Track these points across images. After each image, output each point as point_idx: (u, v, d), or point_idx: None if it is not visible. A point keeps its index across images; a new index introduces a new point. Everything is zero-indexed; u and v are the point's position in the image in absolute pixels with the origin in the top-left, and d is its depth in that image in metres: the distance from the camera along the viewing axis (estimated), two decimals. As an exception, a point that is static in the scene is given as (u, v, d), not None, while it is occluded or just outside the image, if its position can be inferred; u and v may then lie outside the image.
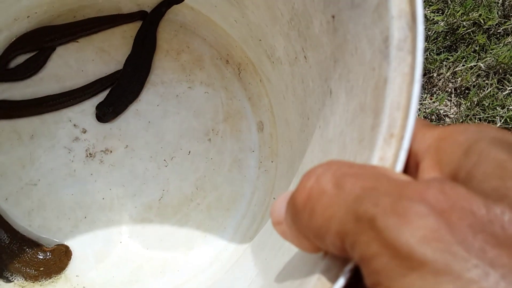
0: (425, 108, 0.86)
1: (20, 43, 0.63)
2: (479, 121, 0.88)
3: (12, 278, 0.58)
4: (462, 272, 0.15)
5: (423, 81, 0.87)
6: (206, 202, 0.64)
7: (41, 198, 0.62)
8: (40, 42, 0.63)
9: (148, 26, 0.65)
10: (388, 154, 0.24)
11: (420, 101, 0.87)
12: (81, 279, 0.60)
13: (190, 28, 0.67)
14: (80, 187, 0.62)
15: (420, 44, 0.24)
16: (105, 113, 0.63)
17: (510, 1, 0.95)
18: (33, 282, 0.58)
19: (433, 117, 0.87)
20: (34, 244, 0.59)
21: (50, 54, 0.64)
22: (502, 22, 0.94)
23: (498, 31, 0.93)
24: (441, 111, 0.87)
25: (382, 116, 0.25)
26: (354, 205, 0.18)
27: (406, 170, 0.23)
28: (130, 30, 0.66)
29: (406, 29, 0.25)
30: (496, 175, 0.18)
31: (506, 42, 0.93)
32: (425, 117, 0.87)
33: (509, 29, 0.94)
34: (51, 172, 0.62)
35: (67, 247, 0.60)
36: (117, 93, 0.63)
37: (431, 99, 0.87)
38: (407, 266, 0.16)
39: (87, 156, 0.63)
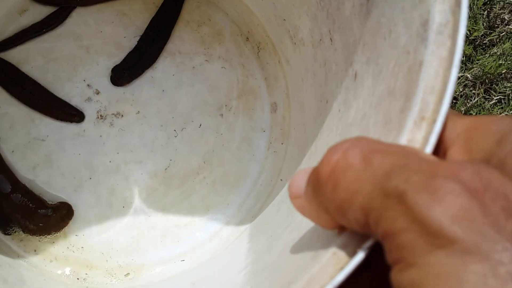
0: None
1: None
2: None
3: (11, 230, 0.58)
4: (491, 253, 0.15)
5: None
6: (212, 176, 0.63)
7: (48, 154, 0.61)
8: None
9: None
10: (418, 137, 0.23)
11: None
12: (80, 239, 0.60)
13: (213, 0, 0.66)
14: (88, 147, 0.62)
15: (463, 29, 0.23)
16: (120, 76, 0.63)
17: (495, 13, 0.95)
18: (31, 236, 0.58)
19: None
20: (37, 198, 0.58)
21: (71, 11, 0.63)
22: (488, 33, 0.94)
23: (484, 42, 0.94)
24: (429, 121, 0.88)
25: (414, 100, 0.24)
26: (383, 181, 0.18)
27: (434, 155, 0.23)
28: (153, -4, 0.65)
29: (449, 13, 0.24)
30: None
31: (491, 52, 0.93)
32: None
33: (494, 40, 0.94)
34: (60, 129, 0.62)
35: (69, 206, 0.60)
36: (135, 57, 0.63)
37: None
38: (435, 243, 0.16)
39: (98, 117, 0.63)
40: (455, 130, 0.23)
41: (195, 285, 0.57)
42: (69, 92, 0.63)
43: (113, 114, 0.63)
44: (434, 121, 0.23)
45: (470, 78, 0.91)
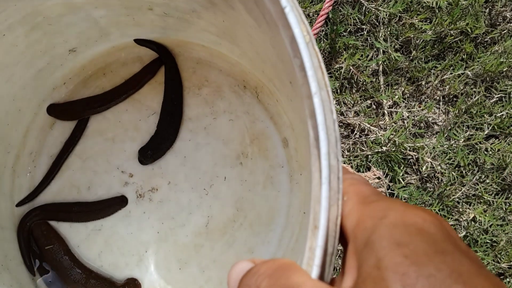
0: (413, 116, 0.87)
1: (68, 111, 0.72)
2: (467, 129, 0.88)
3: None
4: None
5: (412, 89, 0.88)
6: (248, 221, 0.69)
7: (107, 240, 0.71)
8: (86, 111, 0.72)
9: (169, 73, 0.71)
10: (314, 244, 0.28)
11: (409, 108, 0.87)
12: (152, 305, 0.69)
13: (205, 62, 0.72)
14: (137, 225, 0.71)
15: (324, 148, 0.27)
16: (146, 157, 0.70)
17: (496, 11, 0.93)
18: (112, 315, 0.68)
19: (422, 124, 0.88)
20: (107, 281, 0.68)
21: (89, 118, 0.72)
22: (489, 31, 0.93)
23: (485, 39, 0.93)
24: (430, 119, 0.87)
25: (310, 207, 0.29)
26: None
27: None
28: (154, 77, 0.72)
29: (312, 136, 0.28)
30: (373, 276, 0.22)
31: (493, 50, 0.92)
32: (414, 125, 0.87)
33: (495, 37, 0.93)
34: (110, 216, 0.71)
35: (135, 280, 0.69)
36: (157, 141, 0.70)
37: (419, 107, 0.87)
38: None
39: (138, 197, 0.71)
40: (350, 224, 0.27)
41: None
42: (109, 182, 0.72)
43: (149, 190, 0.71)
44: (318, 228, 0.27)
45: (471, 76, 0.90)
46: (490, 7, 0.93)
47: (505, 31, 0.93)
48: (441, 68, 0.91)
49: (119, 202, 0.71)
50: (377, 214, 0.25)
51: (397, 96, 0.86)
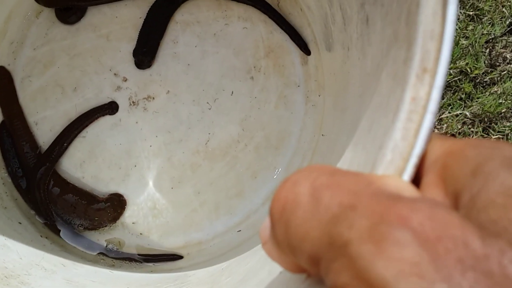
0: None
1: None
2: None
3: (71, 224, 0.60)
4: None
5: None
6: (254, 142, 0.62)
7: (91, 149, 0.62)
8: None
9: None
10: (421, 93, 0.20)
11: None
12: (138, 225, 0.62)
13: (222, -41, 0.63)
14: (127, 136, 0.62)
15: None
16: (142, 58, 0.61)
17: (497, 51, 0.93)
18: (89, 231, 0.60)
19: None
20: (88, 195, 0.60)
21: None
22: (489, 71, 0.92)
23: (485, 80, 0.92)
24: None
25: (414, 48, 0.21)
26: (329, 225, 0.16)
27: (415, 182, 0.19)
28: (160, -31, 0.63)
29: None
30: (500, 204, 0.14)
31: (492, 91, 0.91)
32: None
33: (495, 78, 0.92)
34: (97, 123, 0.62)
35: (120, 196, 0.61)
36: (145, 32, 0.61)
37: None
38: None
39: (131, 104, 0.62)
40: (433, 154, 0.19)
41: (256, 252, 0.56)
42: (99, 84, 0.63)
43: (144, 98, 0.63)
44: (436, 73, 0.19)
45: (469, 116, 0.89)
46: (490, 48, 0.93)
47: (504, 72, 0.92)
48: (440, 107, 0.89)
49: (107, 109, 0.62)
50: (481, 144, 0.17)
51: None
